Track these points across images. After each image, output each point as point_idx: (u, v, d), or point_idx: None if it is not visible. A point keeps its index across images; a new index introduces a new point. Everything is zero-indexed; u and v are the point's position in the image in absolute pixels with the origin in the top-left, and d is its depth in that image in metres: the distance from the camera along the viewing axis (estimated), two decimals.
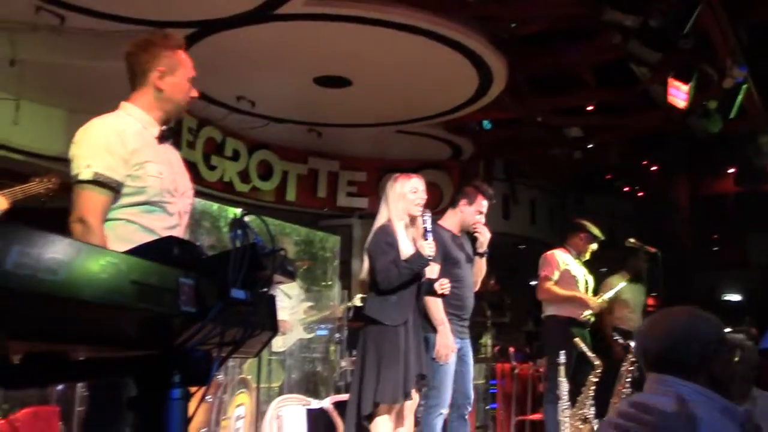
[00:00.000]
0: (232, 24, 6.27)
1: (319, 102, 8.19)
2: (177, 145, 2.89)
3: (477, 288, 5.00)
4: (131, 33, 6.38)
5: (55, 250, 1.16)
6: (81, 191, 2.43)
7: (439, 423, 4.63)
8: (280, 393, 5.96)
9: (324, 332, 6.83)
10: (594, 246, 6.31)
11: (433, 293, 4.39)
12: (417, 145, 9.88)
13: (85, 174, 2.41)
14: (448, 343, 4.53)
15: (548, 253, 6.29)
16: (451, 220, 4.97)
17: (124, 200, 2.51)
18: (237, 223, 1.88)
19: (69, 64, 6.66)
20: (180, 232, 2.65)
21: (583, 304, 6.05)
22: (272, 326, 2.03)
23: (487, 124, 9.64)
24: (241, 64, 6.94)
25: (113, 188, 2.45)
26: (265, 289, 1.93)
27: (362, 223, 10.86)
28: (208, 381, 1.63)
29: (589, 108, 9.09)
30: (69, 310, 1.20)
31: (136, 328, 1.46)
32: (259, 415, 5.08)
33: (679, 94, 6.67)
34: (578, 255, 6.30)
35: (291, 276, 2.02)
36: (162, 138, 2.66)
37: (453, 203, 5.08)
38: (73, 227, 2.41)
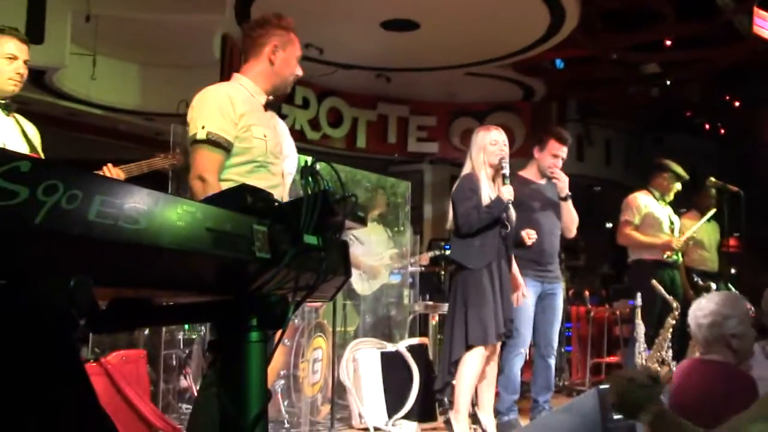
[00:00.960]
0: None
1: (387, 47, 8.11)
2: (280, 116, 3.15)
3: (571, 234, 5.09)
4: None
5: (135, 200, 1.19)
6: (198, 150, 2.64)
7: (517, 362, 4.75)
8: (355, 336, 6.07)
9: (398, 277, 6.88)
10: (678, 186, 6.13)
11: (521, 244, 4.51)
12: (487, 87, 9.71)
13: (200, 134, 2.61)
14: (519, 290, 4.61)
15: (630, 196, 6.17)
16: (530, 170, 5.04)
17: (233, 160, 2.70)
18: (308, 171, 1.90)
19: (141, 18, 6.78)
20: (282, 192, 2.84)
21: (665, 248, 5.92)
22: (345, 271, 2.06)
23: (559, 63, 9.38)
24: (308, 11, 6.91)
25: (225, 147, 2.65)
26: (337, 235, 1.96)
27: (433, 168, 10.83)
28: (285, 324, 1.68)
29: (668, 43, 8.72)
30: (149, 257, 1.24)
31: (213, 274, 1.51)
32: (335, 357, 5.20)
33: (765, 25, 6.33)
34: (662, 196, 6.13)
35: (362, 221, 2.04)
36: (267, 105, 2.86)
37: (533, 152, 5.09)
38: (193, 184, 2.62)
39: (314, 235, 1.77)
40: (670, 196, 6.16)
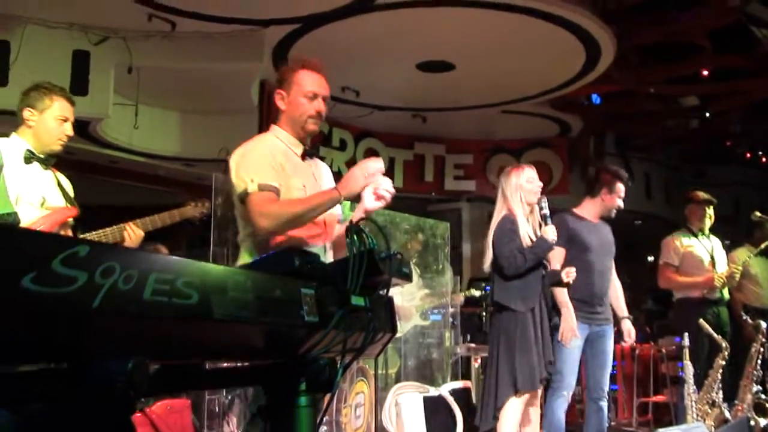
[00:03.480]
0: (334, 17, 6.35)
1: (422, 87, 8.17)
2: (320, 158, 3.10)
3: None
4: (237, 33, 6.61)
5: (188, 274, 1.20)
6: (251, 198, 2.63)
7: (561, 406, 4.62)
8: (397, 380, 6.02)
9: (438, 317, 6.84)
10: (710, 212, 6.00)
11: (560, 283, 4.40)
12: (523, 124, 9.71)
13: (251, 187, 2.63)
14: (571, 326, 4.52)
15: (667, 238, 6.07)
16: (588, 209, 4.93)
17: None
18: (352, 230, 1.91)
19: (181, 67, 6.93)
20: (325, 240, 2.82)
21: (706, 286, 5.81)
22: (392, 327, 2.05)
23: (596, 98, 9.34)
24: (344, 55, 7.02)
25: (276, 193, 2.67)
26: (384, 292, 1.95)
27: (471, 206, 10.80)
28: (334, 388, 1.67)
29: (704, 73, 8.64)
30: (202, 330, 1.25)
31: (262, 340, 1.51)
32: (377, 402, 5.15)
33: None
34: (700, 229, 6.02)
35: (408, 278, 2.04)
36: (305, 156, 2.87)
37: (591, 192, 4.96)
38: (259, 223, 2.60)
39: (361, 295, 1.77)
40: (707, 225, 6.04)
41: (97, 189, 8.67)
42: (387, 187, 2.77)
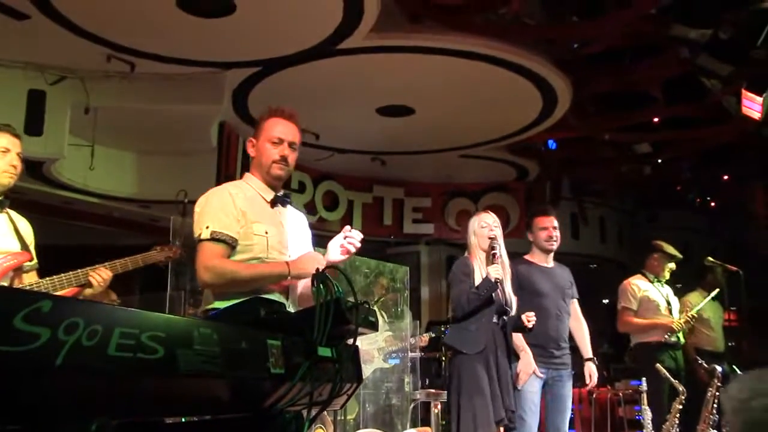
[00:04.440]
0: (294, 61, 6.37)
1: (382, 131, 8.22)
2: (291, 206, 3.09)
3: None
4: (197, 75, 6.58)
5: (153, 327, 1.16)
6: (202, 246, 2.67)
7: None
8: (356, 426, 5.93)
9: (397, 361, 6.78)
10: (672, 265, 6.13)
11: (522, 328, 4.44)
12: (481, 169, 9.81)
13: (204, 234, 2.66)
14: (527, 369, 4.55)
15: (625, 282, 6.15)
16: (537, 254, 4.96)
17: (236, 257, 2.72)
18: (318, 278, 1.88)
19: (139, 108, 6.86)
20: (286, 287, 2.77)
21: (665, 329, 5.88)
22: (358, 377, 2.02)
23: (552, 144, 9.51)
24: (304, 98, 7.03)
25: (229, 243, 2.68)
26: (350, 342, 1.92)
27: (429, 249, 10.83)
28: None
29: (656, 120, 8.87)
30: (166, 385, 1.21)
31: (227, 393, 1.46)
32: None
33: (753, 106, 6.45)
34: (656, 278, 6.12)
35: (374, 327, 2.01)
36: (275, 201, 2.89)
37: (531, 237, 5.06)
38: (202, 276, 2.62)
39: (327, 345, 1.73)
40: (665, 276, 6.14)
41: (52, 230, 8.45)
42: (354, 241, 2.85)
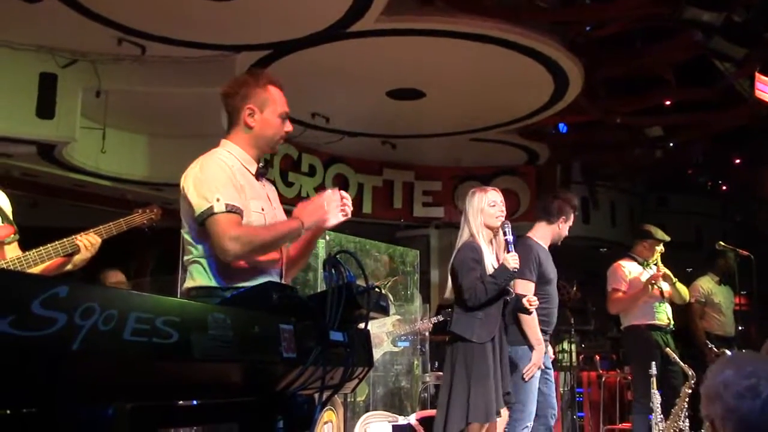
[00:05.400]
0: (305, 44, 6.35)
1: (392, 114, 8.21)
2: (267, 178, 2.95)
3: None
4: (208, 58, 6.58)
5: (168, 312, 1.18)
6: (217, 219, 2.47)
7: None
8: (366, 408, 5.97)
9: (406, 344, 6.81)
10: (660, 248, 6.04)
11: (523, 310, 4.32)
12: (491, 152, 9.79)
13: (218, 207, 2.47)
14: (539, 363, 4.48)
15: (615, 264, 6.10)
16: (545, 235, 4.83)
17: None
18: (330, 263, 1.89)
19: (150, 91, 6.87)
20: (282, 264, 2.71)
21: (646, 292, 5.79)
22: (368, 361, 2.03)
23: (563, 127, 9.46)
24: (315, 81, 7.03)
25: (241, 215, 2.53)
26: (362, 326, 1.93)
27: (439, 233, 10.82)
28: (312, 426, 1.64)
29: (667, 103, 8.81)
30: (180, 369, 1.22)
31: (240, 377, 1.48)
32: (346, 431, 5.10)
33: (767, 89, 6.41)
34: (645, 261, 6.06)
35: (385, 312, 2.02)
36: (259, 175, 2.73)
37: (548, 218, 4.86)
38: (228, 247, 2.45)
39: (339, 330, 1.75)
40: (655, 259, 6.06)
41: (63, 212, 8.52)
42: (348, 203, 2.69)
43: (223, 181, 2.54)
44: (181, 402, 1.57)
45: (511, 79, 7.22)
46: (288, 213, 2.80)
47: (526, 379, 4.46)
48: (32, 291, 0.93)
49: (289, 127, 2.75)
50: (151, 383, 1.19)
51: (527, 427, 4.56)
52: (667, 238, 6.03)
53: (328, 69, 6.92)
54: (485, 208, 4.16)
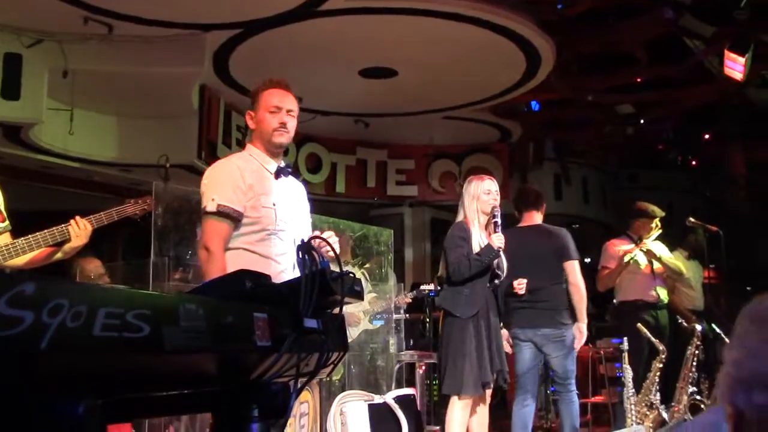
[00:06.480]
0: (276, 23, 6.28)
1: (365, 93, 8.17)
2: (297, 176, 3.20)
3: None
4: (178, 37, 6.47)
5: (138, 306, 1.16)
6: (207, 220, 2.79)
7: (525, 414, 4.81)
8: (342, 388, 5.98)
9: (381, 322, 6.83)
10: (657, 222, 6.16)
11: (512, 294, 4.62)
12: (464, 130, 9.79)
13: (210, 206, 2.77)
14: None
15: (607, 243, 6.24)
16: (529, 223, 5.20)
17: (243, 229, 2.84)
18: (303, 249, 1.87)
19: (118, 71, 6.76)
20: (293, 258, 2.87)
21: (623, 263, 5.92)
22: (343, 345, 2.03)
23: (535, 105, 9.49)
24: (286, 60, 6.95)
25: (233, 218, 2.79)
26: (336, 312, 1.92)
27: (413, 211, 10.85)
28: (287, 413, 1.64)
29: (638, 81, 8.87)
30: (152, 363, 1.21)
31: (213, 368, 1.47)
32: (322, 411, 5.11)
33: (735, 66, 6.47)
34: (640, 238, 6.14)
35: (359, 296, 2.01)
36: (278, 174, 2.96)
37: (538, 206, 5.28)
38: (199, 253, 2.82)
39: (313, 316, 1.74)
40: (651, 236, 6.18)
41: (31, 195, 8.37)
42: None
43: (222, 182, 2.82)
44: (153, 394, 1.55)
45: (483, 57, 7.21)
46: None
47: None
48: None
49: (281, 118, 2.94)
50: (123, 378, 1.18)
51: (528, 404, 4.88)
52: (662, 213, 6.16)
53: (300, 48, 6.85)
54: (481, 196, 4.49)
